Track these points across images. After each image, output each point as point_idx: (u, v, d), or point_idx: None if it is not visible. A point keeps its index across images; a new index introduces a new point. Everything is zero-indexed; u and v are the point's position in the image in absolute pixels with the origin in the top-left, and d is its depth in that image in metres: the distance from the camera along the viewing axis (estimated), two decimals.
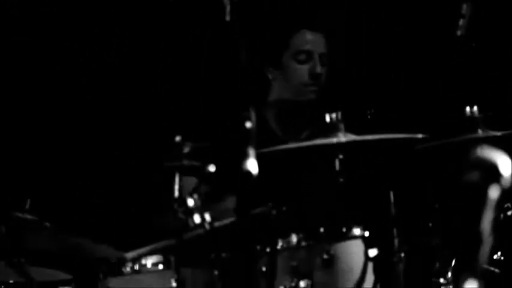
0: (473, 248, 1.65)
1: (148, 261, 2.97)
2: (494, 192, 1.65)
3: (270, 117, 3.98)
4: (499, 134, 3.41)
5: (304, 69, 3.91)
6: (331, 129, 3.27)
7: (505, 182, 1.66)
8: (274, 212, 3.03)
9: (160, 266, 2.96)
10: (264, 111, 3.97)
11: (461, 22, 3.81)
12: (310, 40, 3.92)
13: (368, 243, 3.12)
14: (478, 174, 1.64)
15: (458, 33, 3.85)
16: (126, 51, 4.59)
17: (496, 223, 1.71)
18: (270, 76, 3.96)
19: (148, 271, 2.96)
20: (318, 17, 4.12)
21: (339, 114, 3.28)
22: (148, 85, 4.60)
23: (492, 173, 1.65)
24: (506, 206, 3.61)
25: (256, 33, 3.93)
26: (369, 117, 3.70)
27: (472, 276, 1.65)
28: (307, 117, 3.93)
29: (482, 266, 1.65)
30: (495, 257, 3.59)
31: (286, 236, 3.07)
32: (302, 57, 3.91)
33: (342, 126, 3.27)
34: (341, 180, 3.34)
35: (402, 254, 3.26)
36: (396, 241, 3.27)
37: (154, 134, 4.41)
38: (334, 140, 3.22)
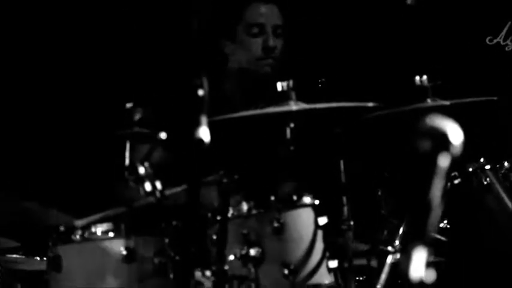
0: (423, 217, 1.66)
1: (98, 229, 2.95)
2: (444, 161, 1.66)
3: (227, 87, 3.96)
4: (448, 103, 3.44)
5: (257, 42, 3.89)
6: (282, 97, 3.27)
7: (455, 151, 1.67)
8: (225, 180, 3.02)
9: (111, 234, 2.94)
10: (222, 81, 3.95)
11: None
12: (263, 13, 3.89)
13: (318, 211, 3.14)
14: (429, 142, 1.66)
15: (409, 1, 3.87)
16: (78, 17, 4.53)
17: (444, 192, 1.73)
18: (225, 49, 3.93)
19: (98, 239, 2.94)
20: None
21: (291, 82, 3.28)
22: (99, 51, 4.55)
23: (442, 141, 1.66)
24: (453, 174, 3.66)
25: (209, 5, 3.89)
26: (320, 85, 3.70)
27: (421, 244, 1.67)
28: (263, 89, 3.91)
29: (431, 234, 1.67)
30: (441, 225, 3.64)
31: (236, 204, 3.08)
32: (255, 30, 3.88)
33: (293, 94, 3.27)
34: (292, 148, 3.35)
35: (351, 222, 3.29)
36: (345, 209, 3.30)
37: (105, 100, 4.37)
38: (284, 108, 3.23)
